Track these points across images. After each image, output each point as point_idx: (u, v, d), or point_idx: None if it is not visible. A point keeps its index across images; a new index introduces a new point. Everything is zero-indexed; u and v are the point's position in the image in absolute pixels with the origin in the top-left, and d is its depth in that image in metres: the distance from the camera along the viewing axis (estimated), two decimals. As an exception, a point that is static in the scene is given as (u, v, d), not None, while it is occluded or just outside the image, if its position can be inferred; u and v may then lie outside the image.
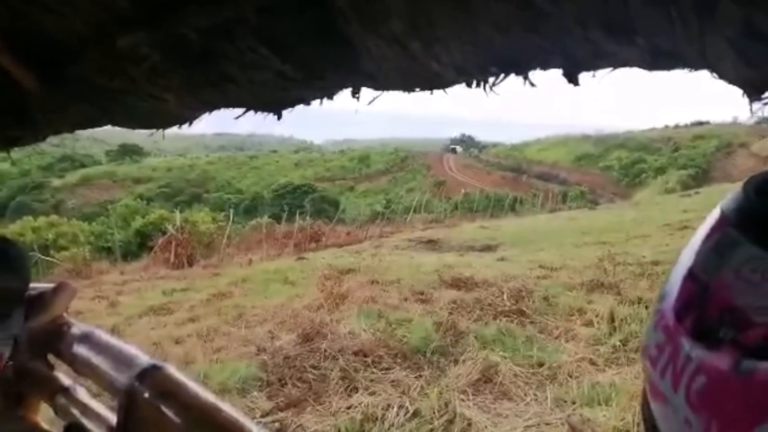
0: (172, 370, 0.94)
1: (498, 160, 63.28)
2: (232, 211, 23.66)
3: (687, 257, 0.39)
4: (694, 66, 0.57)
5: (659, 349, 0.38)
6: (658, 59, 0.59)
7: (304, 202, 42.47)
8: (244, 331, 5.95)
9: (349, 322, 5.56)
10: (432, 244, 13.26)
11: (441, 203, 35.97)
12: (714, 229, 0.38)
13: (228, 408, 0.85)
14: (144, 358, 0.97)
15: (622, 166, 52.07)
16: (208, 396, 0.85)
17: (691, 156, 50.47)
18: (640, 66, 0.63)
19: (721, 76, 0.56)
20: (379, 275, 8.04)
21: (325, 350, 4.76)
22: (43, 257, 15.52)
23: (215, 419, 0.81)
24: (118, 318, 7.15)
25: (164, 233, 16.11)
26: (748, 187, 0.38)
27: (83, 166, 70.77)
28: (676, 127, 65.74)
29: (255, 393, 4.24)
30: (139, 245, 20.44)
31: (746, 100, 0.56)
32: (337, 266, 9.18)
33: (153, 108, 1.46)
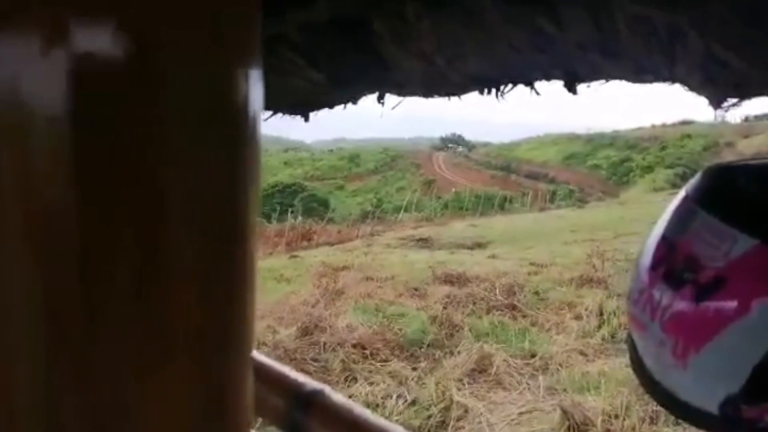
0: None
1: (488, 160, 63.30)
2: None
3: (659, 227, 0.55)
4: (669, 81, 0.72)
5: (640, 292, 0.53)
6: (640, 75, 0.74)
7: (294, 201, 42.42)
8: (243, 326, 6.05)
9: (346, 317, 5.70)
10: (423, 242, 13.38)
11: (431, 202, 36.04)
12: (680, 205, 0.54)
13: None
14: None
15: (610, 165, 52.31)
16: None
17: (678, 155, 50.84)
18: (626, 79, 0.78)
19: (690, 89, 0.71)
20: (373, 272, 8.17)
21: (325, 343, 4.90)
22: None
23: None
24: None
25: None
26: (704, 174, 0.54)
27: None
28: (663, 126, 66.03)
29: (257, 385, 4.36)
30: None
31: (710, 107, 0.72)
32: (331, 264, 9.28)
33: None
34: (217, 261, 0.26)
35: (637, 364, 0.55)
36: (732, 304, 0.45)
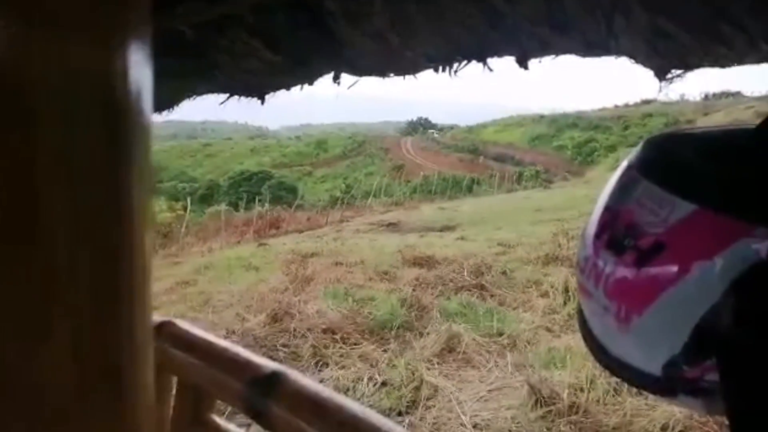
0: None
1: (455, 142, 63.48)
2: (189, 199, 23.32)
3: (603, 196, 0.56)
4: (616, 54, 0.73)
5: (586, 260, 0.54)
6: (588, 49, 0.75)
7: (261, 189, 41.99)
8: (212, 315, 5.98)
9: (316, 303, 5.69)
10: (393, 227, 13.44)
11: (400, 186, 36.06)
12: (623, 174, 0.55)
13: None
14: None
15: (574, 146, 52.95)
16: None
17: (640, 134, 51.43)
18: (575, 54, 0.79)
19: (636, 62, 0.72)
20: (343, 257, 8.16)
21: (295, 329, 4.89)
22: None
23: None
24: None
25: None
26: (646, 143, 0.55)
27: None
28: (626, 105, 66.95)
29: (227, 373, 4.33)
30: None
31: (655, 79, 0.73)
32: (300, 250, 9.24)
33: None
34: (104, 235, 0.26)
35: (586, 332, 0.56)
36: (671, 268, 0.46)
